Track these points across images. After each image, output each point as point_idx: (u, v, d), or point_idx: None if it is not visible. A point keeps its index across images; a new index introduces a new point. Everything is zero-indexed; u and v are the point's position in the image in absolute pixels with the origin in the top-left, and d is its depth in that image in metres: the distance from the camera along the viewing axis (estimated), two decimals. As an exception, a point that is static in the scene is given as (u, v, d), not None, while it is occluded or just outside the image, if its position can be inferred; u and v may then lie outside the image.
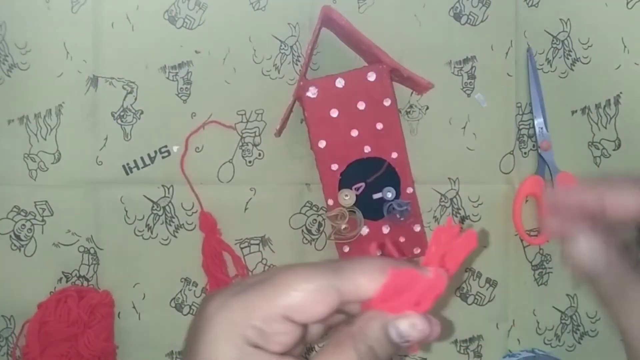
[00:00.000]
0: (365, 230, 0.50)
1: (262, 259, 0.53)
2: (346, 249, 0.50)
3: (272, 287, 0.25)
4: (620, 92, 0.54)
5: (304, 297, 0.25)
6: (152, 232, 0.53)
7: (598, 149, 0.54)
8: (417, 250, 0.51)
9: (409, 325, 0.26)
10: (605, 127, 0.54)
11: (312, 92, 0.48)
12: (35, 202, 0.53)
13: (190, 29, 0.53)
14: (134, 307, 0.53)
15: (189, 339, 0.27)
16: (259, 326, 0.25)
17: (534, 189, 0.53)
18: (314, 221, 0.54)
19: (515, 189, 0.54)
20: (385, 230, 0.50)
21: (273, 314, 0.25)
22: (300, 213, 0.53)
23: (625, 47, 0.54)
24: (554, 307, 0.55)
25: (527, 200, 0.54)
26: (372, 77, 0.48)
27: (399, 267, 0.26)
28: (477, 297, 0.54)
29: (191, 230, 0.53)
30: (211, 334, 0.25)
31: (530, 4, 0.54)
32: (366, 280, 0.26)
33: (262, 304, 0.25)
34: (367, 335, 0.25)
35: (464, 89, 0.54)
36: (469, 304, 0.54)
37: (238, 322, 0.25)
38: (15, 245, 0.53)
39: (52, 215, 0.53)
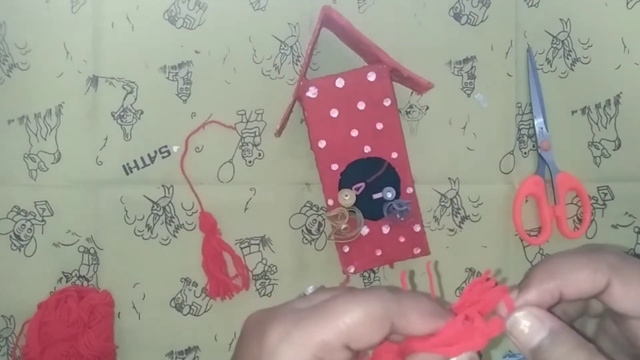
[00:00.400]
0: (365, 230, 0.50)
1: (262, 259, 0.53)
2: (346, 249, 0.50)
3: (334, 318, 0.26)
4: (620, 92, 0.54)
5: (363, 327, 0.26)
6: (152, 232, 0.53)
7: (598, 149, 0.54)
8: (417, 251, 0.51)
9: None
10: (605, 127, 0.54)
11: (312, 92, 0.48)
12: (35, 202, 0.53)
13: (190, 29, 0.53)
14: (134, 307, 0.53)
15: None
16: (322, 356, 0.26)
17: (534, 189, 0.53)
18: (314, 221, 0.54)
19: (515, 189, 0.54)
20: (385, 230, 0.50)
21: (335, 344, 0.26)
22: (300, 213, 0.53)
23: (625, 47, 0.54)
24: None
25: (527, 200, 0.54)
26: (372, 77, 0.48)
27: (454, 318, 0.27)
28: (477, 297, 0.54)
29: (191, 230, 0.53)
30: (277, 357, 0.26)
31: (530, 4, 0.54)
32: (419, 320, 0.27)
33: (325, 334, 0.26)
34: None
35: (464, 89, 0.54)
36: (469, 304, 0.54)
37: (304, 354, 0.26)
38: (15, 245, 0.53)
39: (52, 215, 0.53)
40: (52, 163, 0.53)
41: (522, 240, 0.54)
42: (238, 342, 0.29)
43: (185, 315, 0.53)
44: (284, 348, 0.26)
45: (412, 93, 0.54)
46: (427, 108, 0.54)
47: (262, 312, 0.29)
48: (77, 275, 0.53)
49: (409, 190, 0.50)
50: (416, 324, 0.27)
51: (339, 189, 0.49)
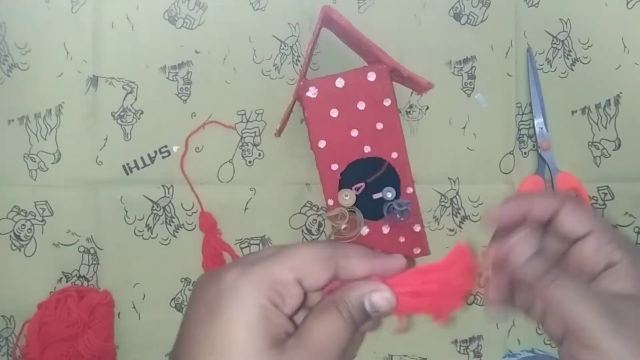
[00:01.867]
0: (365, 230, 0.50)
1: (262, 259, 0.53)
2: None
3: (288, 256, 0.30)
4: (620, 92, 0.54)
5: (312, 263, 0.30)
6: (152, 232, 0.53)
7: (598, 149, 0.54)
8: (417, 250, 0.51)
9: (381, 298, 0.31)
10: (605, 127, 0.54)
11: (312, 92, 0.48)
12: (35, 202, 0.53)
13: (190, 29, 0.53)
14: (134, 307, 0.53)
15: (199, 312, 0.30)
16: (278, 289, 0.29)
17: (534, 189, 0.53)
18: (314, 221, 0.54)
19: (515, 189, 0.54)
20: (385, 230, 0.50)
21: (289, 279, 0.30)
22: (300, 213, 0.53)
23: (625, 47, 0.54)
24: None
25: (527, 200, 0.54)
26: (372, 77, 0.48)
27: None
28: (477, 296, 0.54)
29: (191, 230, 0.53)
30: (237, 298, 0.29)
31: (530, 4, 0.54)
32: (359, 260, 0.32)
33: (281, 271, 0.30)
34: (346, 303, 0.31)
35: (464, 89, 0.54)
36: (469, 304, 0.54)
37: (262, 285, 0.29)
38: (15, 245, 0.53)
39: (52, 215, 0.53)
40: (52, 163, 0.53)
41: (522, 240, 0.54)
42: (191, 297, 0.32)
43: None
44: (243, 281, 0.29)
45: (412, 93, 0.54)
46: (427, 108, 0.54)
47: (213, 270, 0.32)
48: (77, 275, 0.53)
49: (409, 190, 0.50)
50: (357, 264, 0.32)
51: (339, 189, 0.49)
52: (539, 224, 0.34)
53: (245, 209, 0.53)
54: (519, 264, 0.32)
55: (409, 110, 0.54)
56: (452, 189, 0.54)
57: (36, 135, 0.53)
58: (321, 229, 0.53)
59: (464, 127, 0.54)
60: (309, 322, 0.30)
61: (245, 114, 0.53)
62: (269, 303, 0.29)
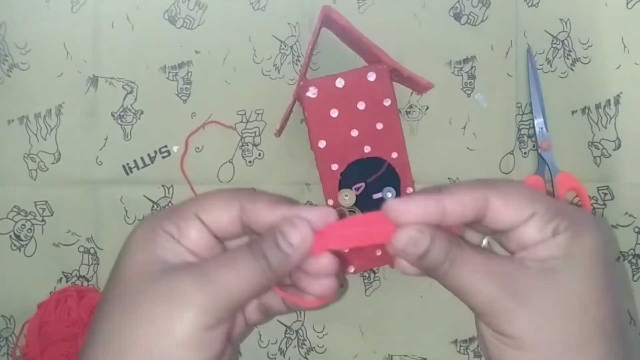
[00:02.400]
0: (365, 230, 0.50)
1: (262, 259, 0.53)
2: (346, 249, 0.50)
3: (190, 200, 0.31)
4: (620, 92, 0.54)
5: (213, 200, 0.30)
6: (152, 232, 0.53)
7: (598, 149, 0.54)
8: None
9: (291, 226, 0.28)
10: (605, 127, 0.54)
11: (312, 92, 0.48)
12: (35, 202, 0.53)
13: (190, 29, 0.53)
14: (134, 307, 0.53)
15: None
16: (174, 220, 0.30)
17: (534, 189, 0.53)
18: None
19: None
20: (385, 230, 0.50)
21: (187, 213, 0.30)
22: (300, 213, 0.53)
23: (625, 47, 0.54)
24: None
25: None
26: (372, 77, 0.48)
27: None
28: (477, 297, 0.54)
29: (191, 230, 0.53)
30: (136, 228, 0.30)
31: (530, 4, 0.54)
32: (266, 205, 0.30)
33: (180, 207, 0.30)
34: (261, 244, 0.29)
35: (464, 89, 0.54)
36: (469, 304, 0.54)
37: (159, 220, 0.30)
38: (15, 245, 0.53)
39: (52, 215, 0.53)
40: (52, 163, 0.53)
41: (522, 240, 0.54)
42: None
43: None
44: (146, 219, 0.30)
45: (412, 93, 0.54)
46: (427, 108, 0.54)
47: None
48: (77, 275, 0.53)
49: (409, 190, 0.50)
50: (263, 208, 0.30)
51: (339, 189, 0.49)
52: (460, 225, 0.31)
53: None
54: (414, 262, 0.30)
55: (409, 110, 0.54)
56: (452, 189, 0.54)
57: (36, 135, 0.53)
58: (321, 229, 0.53)
59: (464, 127, 0.54)
60: (212, 261, 0.29)
61: (245, 114, 0.53)
62: (163, 231, 0.29)
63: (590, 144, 0.54)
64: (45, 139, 0.53)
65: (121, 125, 0.53)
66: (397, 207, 0.29)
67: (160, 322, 0.26)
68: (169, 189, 0.53)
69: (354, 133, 0.49)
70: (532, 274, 0.29)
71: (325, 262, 0.30)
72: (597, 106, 0.54)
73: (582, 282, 0.28)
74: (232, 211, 0.30)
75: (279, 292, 0.31)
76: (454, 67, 0.54)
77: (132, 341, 0.26)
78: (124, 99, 0.53)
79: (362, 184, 0.49)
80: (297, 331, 0.54)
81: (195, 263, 0.29)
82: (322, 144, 0.49)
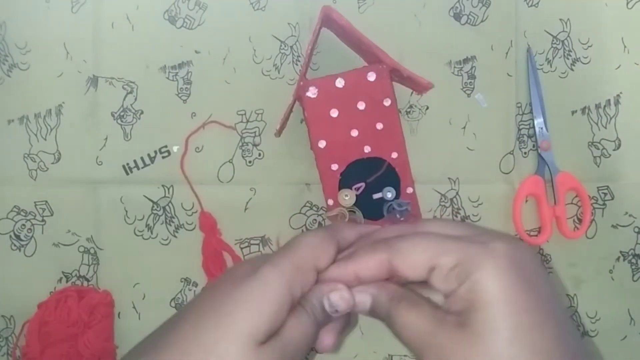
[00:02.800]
0: (365, 230, 0.50)
1: (262, 259, 0.53)
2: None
3: (296, 243, 0.35)
4: (620, 92, 0.54)
5: (318, 243, 0.35)
6: (152, 232, 0.53)
7: (598, 149, 0.54)
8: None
9: (339, 297, 0.34)
10: (605, 127, 0.54)
11: (312, 92, 0.48)
12: (35, 202, 0.53)
13: (190, 29, 0.53)
14: (134, 307, 0.53)
15: (225, 282, 0.34)
16: (299, 265, 0.33)
17: (533, 189, 0.53)
18: (314, 221, 0.54)
19: (516, 189, 0.54)
20: (385, 230, 0.50)
21: (309, 266, 0.34)
22: (300, 213, 0.53)
23: (625, 47, 0.54)
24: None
25: (527, 201, 0.54)
26: (372, 77, 0.48)
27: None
28: (477, 297, 0.54)
29: (191, 230, 0.53)
30: (265, 285, 0.32)
31: (530, 4, 0.54)
32: (349, 230, 0.38)
33: (300, 261, 0.33)
34: (310, 302, 0.34)
35: (464, 89, 0.54)
36: (469, 304, 0.54)
37: (287, 275, 0.33)
38: (15, 245, 0.53)
39: (52, 215, 0.53)
40: (52, 163, 0.53)
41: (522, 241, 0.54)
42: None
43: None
44: (269, 269, 0.33)
45: (412, 93, 0.54)
46: (427, 108, 0.54)
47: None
48: (77, 275, 0.53)
49: (409, 190, 0.50)
50: (348, 232, 0.38)
51: (339, 189, 0.49)
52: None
53: (245, 209, 0.53)
54: (362, 313, 0.35)
55: (409, 110, 0.54)
56: (452, 189, 0.54)
57: (36, 135, 0.53)
58: (321, 229, 0.53)
59: (464, 127, 0.54)
60: (287, 321, 0.33)
61: (245, 114, 0.53)
62: (289, 293, 0.32)
63: (590, 144, 0.54)
64: (45, 139, 0.53)
65: (121, 125, 0.53)
66: (329, 274, 0.35)
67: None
68: (169, 189, 0.53)
69: (354, 133, 0.49)
70: (448, 331, 0.29)
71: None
72: (597, 106, 0.54)
73: (496, 334, 0.28)
74: (333, 247, 0.36)
75: None
76: (454, 67, 0.54)
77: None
78: (124, 99, 0.53)
79: (362, 184, 0.49)
80: (297, 331, 0.54)
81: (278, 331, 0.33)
82: (322, 144, 0.49)
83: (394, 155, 0.50)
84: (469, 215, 0.54)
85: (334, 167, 0.49)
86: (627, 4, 0.54)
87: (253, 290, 0.31)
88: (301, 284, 0.33)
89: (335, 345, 0.36)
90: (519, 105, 0.54)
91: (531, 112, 0.54)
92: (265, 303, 0.31)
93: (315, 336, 0.34)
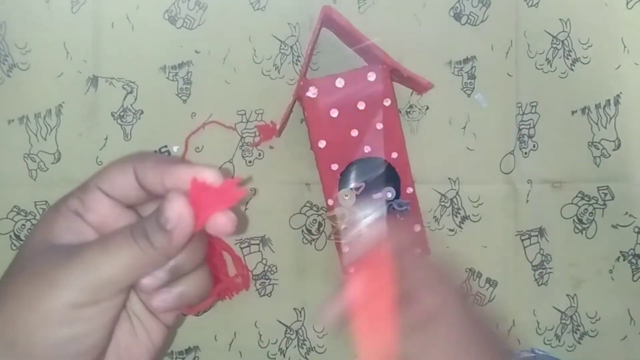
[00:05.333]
0: (365, 230, 0.50)
1: (262, 259, 0.53)
2: (346, 249, 0.50)
3: (96, 172, 0.30)
4: (620, 92, 0.54)
5: (109, 170, 0.30)
6: (152, 232, 0.53)
7: (598, 149, 0.54)
8: (417, 251, 0.51)
9: (175, 206, 0.27)
10: (605, 127, 0.54)
11: (312, 92, 0.48)
12: (35, 202, 0.53)
13: (190, 29, 0.53)
14: (134, 307, 0.53)
15: None
16: (78, 195, 0.29)
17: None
18: (314, 221, 0.54)
19: (516, 189, 0.54)
20: (385, 230, 0.50)
21: (89, 186, 0.30)
22: (300, 213, 0.53)
23: (625, 47, 0.54)
24: (554, 307, 0.55)
25: (528, 201, 0.54)
26: (372, 77, 0.48)
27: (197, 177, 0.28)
28: (477, 297, 0.54)
29: (191, 230, 0.53)
30: (44, 212, 0.29)
31: (530, 4, 0.54)
32: (154, 165, 0.29)
33: (85, 182, 0.30)
34: (143, 223, 0.27)
35: (464, 89, 0.54)
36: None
37: (65, 198, 0.30)
38: (15, 245, 0.53)
39: (52, 215, 0.53)
40: (52, 163, 0.53)
41: (522, 241, 0.54)
42: None
43: (185, 315, 0.53)
44: (49, 208, 0.30)
45: (412, 93, 0.54)
46: (427, 108, 0.54)
47: None
48: (77, 275, 0.53)
49: (409, 190, 0.50)
50: (151, 168, 0.29)
51: (339, 189, 0.49)
52: None
53: (245, 209, 0.53)
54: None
55: (409, 110, 0.54)
56: (452, 189, 0.54)
57: (36, 135, 0.53)
58: (321, 229, 0.53)
59: (464, 127, 0.54)
60: (92, 242, 0.28)
61: (245, 114, 0.53)
62: (68, 211, 0.29)
63: (590, 143, 0.54)
64: (45, 139, 0.53)
65: (121, 125, 0.53)
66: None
67: (27, 297, 0.27)
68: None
69: (354, 133, 0.49)
70: None
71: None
72: (597, 106, 0.54)
73: None
74: (128, 175, 0.29)
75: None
76: (454, 67, 0.54)
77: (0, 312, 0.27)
78: (124, 99, 0.53)
79: (362, 184, 0.49)
80: (297, 331, 0.54)
81: (81, 244, 0.28)
82: (322, 144, 0.49)
83: (394, 155, 0.50)
84: (469, 215, 0.54)
85: (334, 167, 0.49)
86: (627, 4, 0.54)
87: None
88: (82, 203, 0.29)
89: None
90: (519, 105, 0.54)
91: (531, 112, 0.54)
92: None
93: (151, 262, 0.27)
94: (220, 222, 0.28)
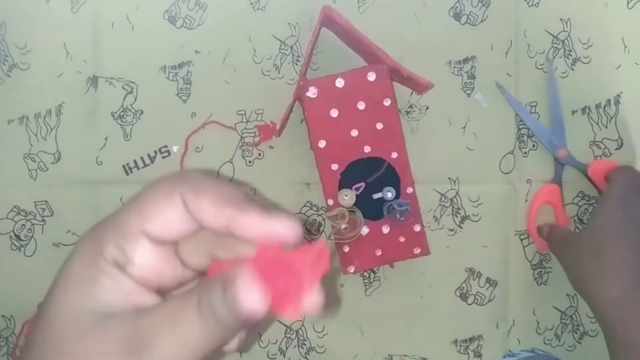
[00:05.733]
0: (365, 230, 0.50)
1: (262, 259, 0.53)
2: (346, 249, 0.50)
3: (130, 207, 0.24)
4: (620, 92, 0.54)
5: (152, 205, 0.24)
6: (152, 232, 0.53)
7: (600, 148, 0.54)
8: (417, 250, 0.51)
9: (247, 284, 0.22)
10: (606, 127, 0.54)
11: (312, 92, 0.48)
12: (35, 202, 0.53)
13: (190, 29, 0.53)
14: (134, 307, 0.53)
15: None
16: (118, 241, 0.24)
17: (549, 197, 0.53)
18: (314, 221, 0.54)
19: (516, 189, 0.54)
20: (385, 230, 0.50)
21: (132, 230, 0.24)
22: (300, 213, 0.53)
23: (625, 47, 0.54)
24: (554, 307, 0.55)
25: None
26: (372, 77, 0.48)
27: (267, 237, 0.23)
28: (477, 297, 0.54)
29: (191, 230, 0.53)
30: (73, 254, 0.24)
31: (530, 4, 0.54)
32: (210, 200, 0.24)
33: (123, 221, 0.24)
34: (208, 295, 0.22)
35: (464, 89, 0.54)
36: (469, 304, 0.54)
37: (100, 244, 0.24)
38: (15, 245, 0.53)
39: (52, 215, 0.53)
40: (52, 163, 0.53)
41: (522, 240, 0.54)
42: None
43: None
44: (86, 237, 0.25)
45: (412, 93, 0.54)
46: (427, 108, 0.54)
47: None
48: (77, 275, 0.53)
49: (409, 190, 0.50)
50: (208, 208, 0.23)
51: (339, 189, 0.49)
52: None
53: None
54: None
55: (409, 110, 0.54)
56: (452, 189, 0.54)
57: (36, 135, 0.53)
58: (321, 229, 0.53)
59: (464, 127, 0.54)
60: (154, 319, 0.23)
61: (245, 114, 0.53)
62: (104, 260, 0.23)
63: (592, 143, 0.54)
64: (45, 139, 0.53)
65: (121, 125, 0.53)
66: None
67: None
68: (169, 189, 0.53)
69: (354, 133, 0.49)
70: None
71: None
72: (597, 106, 0.54)
73: None
74: (178, 208, 0.24)
75: None
76: (454, 67, 0.54)
77: None
78: (124, 99, 0.53)
79: (362, 184, 0.49)
80: (297, 331, 0.54)
81: (136, 317, 0.23)
82: (322, 144, 0.49)
83: (394, 155, 0.50)
84: (469, 215, 0.54)
85: (334, 167, 0.49)
86: (627, 4, 0.54)
87: None
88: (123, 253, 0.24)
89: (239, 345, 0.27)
90: (519, 103, 0.54)
91: (531, 112, 0.54)
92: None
93: (217, 345, 0.23)
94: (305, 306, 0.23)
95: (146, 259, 0.24)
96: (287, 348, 0.54)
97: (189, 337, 0.22)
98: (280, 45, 0.53)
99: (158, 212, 0.24)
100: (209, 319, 0.22)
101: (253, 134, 0.53)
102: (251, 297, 0.22)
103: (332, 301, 0.54)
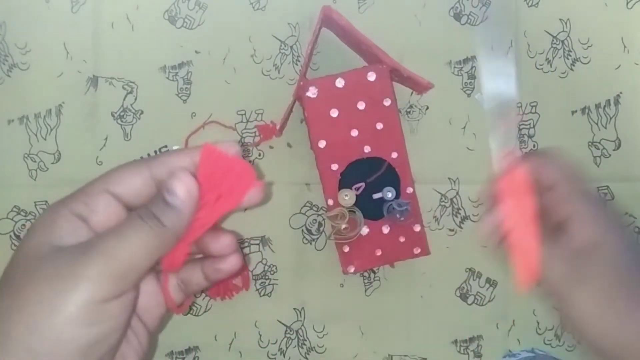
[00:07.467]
0: (365, 230, 0.50)
1: (262, 259, 0.53)
2: (346, 248, 0.50)
3: (99, 176, 0.30)
4: (620, 92, 0.54)
5: (119, 171, 0.29)
6: (152, 232, 0.53)
7: (598, 149, 0.54)
8: (417, 250, 0.51)
9: (174, 179, 0.28)
10: (606, 127, 0.54)
11: (312, 92, 0.48)
12: (35, 202, 0.53)
13: (190, 29, 0.53)
14: (134, 307, 0.53)
15: None
16: (82, 198, 0.28)
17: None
18: (314, 221, 0.54)
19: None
20: (385, 230, 0.50)
21: (96, 189, 0.29)
22: (300, 213, 0.53)
23: (625, 47, 0.54)
24: (554, 307, 0.55)
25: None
26: (372, 77, 0.48)
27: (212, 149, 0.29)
28: (477, 297, 0.54)
29: (191, 230, 0.53)
30: (40, 215, 0.29)
31: (530, 4, 0.54)
32: (175, 157, 0.30)
33: (89, 185, 0.29)
34: (149, 206, 0.28)
35: (464, 89, 0.54)
36: (469, 304, 0.54)
37: (66, 201, 0.28)
38: (15, 245, 0.53)
39: (52, 215, 0.53)
40: (52, 163, 0.53)
41: (522, 240, 0.54)
42: None
43: (185, 315, 0.53)
44: (55, 203, 0.29)
45: (412, 93, 0.54)
46: (427, 108, 0.54)
47: None
48: (77, 275, 0.53)
49: (409, 190, 0.50)
50: (174, 159, 0.30)
51: (339, 189, 0.49)
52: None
53: (245, 209, 0.53)
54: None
55: (409, 110, 0.54)
56: (452, 189, 0.54)
57: (36, 135, 0.53)
58: (321, 229, 0.53)
59: (464, 127, 0.54)
60: (102, 233, 0.28)
61: (245, 114, 0.53)
62: (72, 214, 0.28)
63: (590, 143, 0.54)
64: (45, 139, 0.53)
65: (121, 125, 0.53)
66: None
67: (48, 299, 0.25)
68: (169, 189, 0.53)
69: (354, 133, 0.49)
70: (581, 254, 0.37)
71: (227, 241, 0.31)
72: (597, 106, 0.54)
73: None
74: (144, 174, 0.29)
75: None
76: (454, 67, 0.54)
77: (17, 319, 0.25)
78: (124, 99, 0.53)
79: (362, 184, 0.49)
80: (297, 331, 0.54)
81: (88, 240, 0.27)
82: (322, 144, 0.49)
83: (394, 155, 0.50)
84: (469, 215, 0.54)
85: (334, 167, 0.49)
86: (627, 4, 0.54)
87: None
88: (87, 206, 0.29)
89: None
90: (519, 105, 0.54)
91: (531, 112, 0.54)
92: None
93: (164, 243, 0.28)
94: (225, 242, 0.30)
95: (108, 212, 0.29)
96: (287, 348, 0.54)
97: (134, 237, 0.27)
98: (280, 45, 0.53)
99: (124, 178, 0.29)
100: (149, 219, 0.27)
101: (253, 134, 0.53)
102: (180, 186, 0.28)
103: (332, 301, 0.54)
